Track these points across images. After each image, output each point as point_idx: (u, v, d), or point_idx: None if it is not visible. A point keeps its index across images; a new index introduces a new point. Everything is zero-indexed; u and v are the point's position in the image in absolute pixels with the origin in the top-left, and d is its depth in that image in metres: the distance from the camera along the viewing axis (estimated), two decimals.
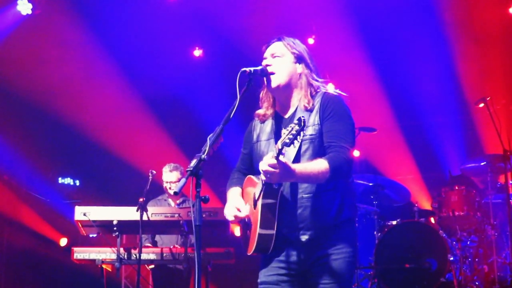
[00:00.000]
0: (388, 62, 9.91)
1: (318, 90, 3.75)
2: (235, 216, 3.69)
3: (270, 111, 3.84)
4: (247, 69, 3.65)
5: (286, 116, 3.78)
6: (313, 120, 3.63)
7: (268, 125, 3.82)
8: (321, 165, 3.44)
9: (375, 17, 9.52)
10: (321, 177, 3.44)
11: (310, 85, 3.76)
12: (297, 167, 3.38)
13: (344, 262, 3.61)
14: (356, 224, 8.00)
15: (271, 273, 3.69)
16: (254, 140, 3.85)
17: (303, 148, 3.58)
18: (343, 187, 3.67)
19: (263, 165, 3.30)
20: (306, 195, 3.59)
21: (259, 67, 3.69)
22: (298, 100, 3.74)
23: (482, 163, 7.65)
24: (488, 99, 7.28)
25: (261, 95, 3.84)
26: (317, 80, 3.81)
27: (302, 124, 3.21)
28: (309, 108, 3.67)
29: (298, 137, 3.23)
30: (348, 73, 9.98)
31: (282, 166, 3.29)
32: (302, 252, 3.62)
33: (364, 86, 10.00)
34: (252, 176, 3.79)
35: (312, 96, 3.72)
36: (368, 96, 10.02)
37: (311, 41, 10.04)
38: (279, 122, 3.78)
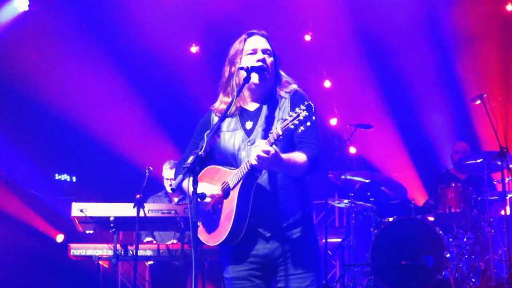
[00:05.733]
0: (385, 59, 9.93)
1: (286, 87, 3.78)
2: (212, 195, 3.61)
3: (235, 105, 3.79)
4: (245, 65, 3.66)
5: (252, 110, 3.78)
6: (281, 114, 3.66)
7: (233, 116, 3.80)
8: (301, 156, 3.50)
9: (372, 14, 9.53)
10: (300, 168, 3.51)
11: (282, 82, 3.81)
12: (284, 156, 3.41)
13: (312, 253, 3.67)
14: (353, 221, 8.06)
15: (241, 268, 3.67)
16: None
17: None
18: (308, 182, 3.76)
19: (258, 150, 3.29)
20: (278, 187, 3.61)
21: (257, 65, 3.67)
22: (267, 96, 3.77)
23: (478, 160, 7.66)
24: (484, 96, 7.28)
25: (236, 88, 3.70)
26: (287, 79, 3.84)
27: (313, 110, 3.23)
28: (278, 103, 3.72)
29: (305, 124, 3.24)
30: (345, 70, 10.01)
31: (276, 152, 3.31)
32: (270, 245, 3.62)
33: (361, 83, 10.02)
34: (218, 166, 3.74)
35: (284, 90, 3.76)
36: (365, 93, 10.04)
37: (308, 37, 10.04)
38: (244, 114, 3.79)
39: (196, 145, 3.74)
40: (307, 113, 3.22)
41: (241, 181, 3.52)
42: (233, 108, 3.76)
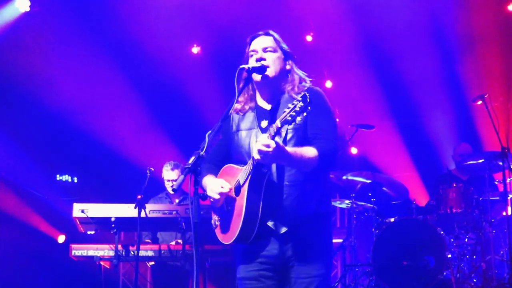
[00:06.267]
0: (386, 59, 9.92)
1: (302, 85, 3.79)
2: (220, 193, 3.64)
3: (250, 104, 3.84)
4: (246, 66, 3.67)
5: (269, 108, 3.80)
6: None
7: (250, 116, 3.82)
8: (311, 151, 3.50)
9: (374, 15, 9.52)
10: (309, 163, 3.50)
11: (296, 79, 3.80)
12: (290, 150, 3.42)
13: (322, 255, 3.66)
14: (354, 222, 8.05)
15: (251, 268, 3.69)
16: (234, 130, 3.84)
17: (288, 136, 3.61)
18: (324, 179, 3.75)
19: (259, 144, 3.30)
20: (290, 184, 3.60)
21: (256, 64, 3.69)
22: (282, 94, 3.77)
23: (480, 161, 7.65)
24: (486, 96, 7.27)
25: (240, 87, 3.77)
26: (301, 76, 3.84)
27: (308, 100, 3.21)
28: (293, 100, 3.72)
29: (302, 114, 3.22)
30: (346, 70, 10.01)
31: (277, 145, 3.31)
32: (281, 245, 3.62)
33: (362, 83, 10.02)
34: (232, 165, 3.77)
35: (296, 91, 3.75)
36: (367, 93, 10.03)
37: (309, 38, 10.04)
38: (261, 113, 3.80)
39: (220, 146, 3.88)
40: (302, 104, 3.21)
41: (249, 177, 3.53)
42: (246, 107, 3.82)
